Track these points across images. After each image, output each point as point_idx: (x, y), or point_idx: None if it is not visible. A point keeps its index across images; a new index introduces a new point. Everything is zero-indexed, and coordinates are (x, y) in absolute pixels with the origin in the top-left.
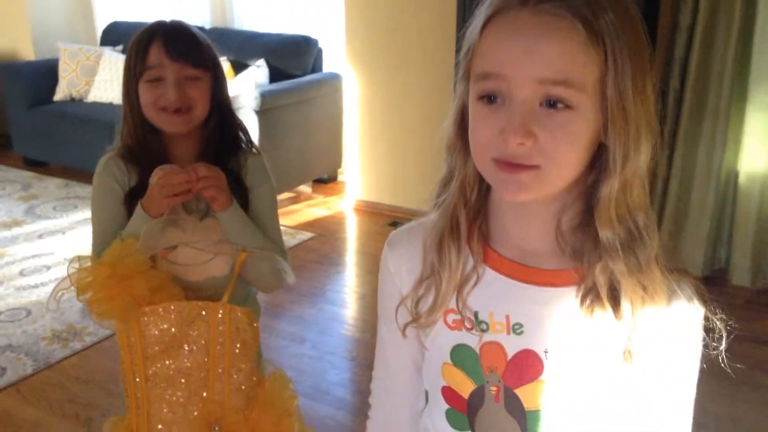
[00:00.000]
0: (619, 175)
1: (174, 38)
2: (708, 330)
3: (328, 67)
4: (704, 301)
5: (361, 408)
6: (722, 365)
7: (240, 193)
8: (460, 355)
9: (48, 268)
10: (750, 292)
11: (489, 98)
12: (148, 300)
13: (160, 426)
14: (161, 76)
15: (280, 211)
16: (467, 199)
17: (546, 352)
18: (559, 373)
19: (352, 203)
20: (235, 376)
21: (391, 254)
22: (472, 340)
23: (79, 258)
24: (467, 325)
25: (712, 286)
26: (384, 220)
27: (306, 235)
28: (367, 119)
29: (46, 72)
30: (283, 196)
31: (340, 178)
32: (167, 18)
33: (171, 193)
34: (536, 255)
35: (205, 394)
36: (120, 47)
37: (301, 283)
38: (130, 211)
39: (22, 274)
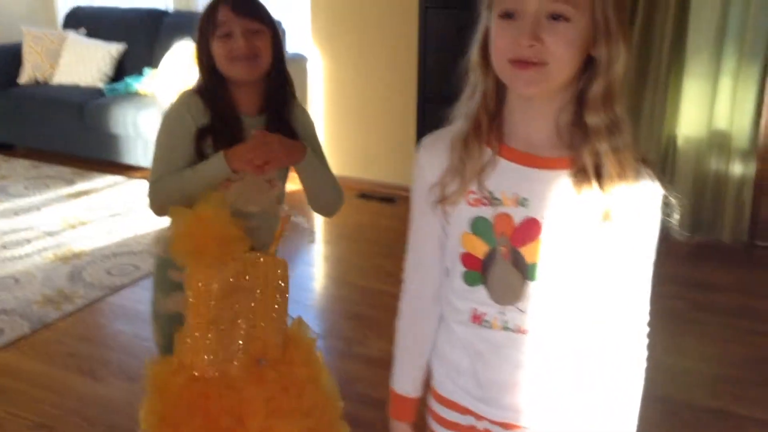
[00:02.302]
0: (605, 75)
1: (238, 0)
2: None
3: (290, 48)
4: (661, 183)
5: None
6: (676, 236)
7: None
8: (478, 225)
9: (29, 241)
10: (687, 246)
11: (507, 15)
12: (224, 251)
13: (210, 356)
14: (230, 30)
15: None
16: (487, 105)
17: (543, 218)
18: (553, 234)
19: None
20: (275, 316)
21: (424, 153)
22: (488, 212)
23: (177, 211)
24: (484, 201)
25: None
26: (352, 193)
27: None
28: (333, 97)
29: (9, 56)
30: None
31: None
32: (130, 4)
33: (261, 166)
34: (539, 146)
35: (250, 332)
36: (83, 30)
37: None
38: (196, 147)
39: (4, 247)
